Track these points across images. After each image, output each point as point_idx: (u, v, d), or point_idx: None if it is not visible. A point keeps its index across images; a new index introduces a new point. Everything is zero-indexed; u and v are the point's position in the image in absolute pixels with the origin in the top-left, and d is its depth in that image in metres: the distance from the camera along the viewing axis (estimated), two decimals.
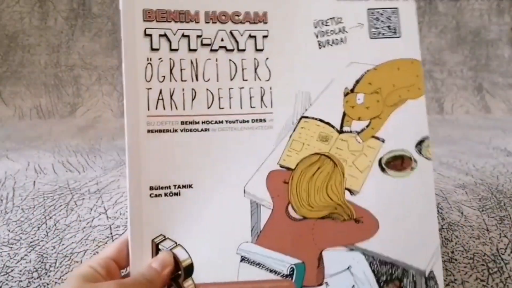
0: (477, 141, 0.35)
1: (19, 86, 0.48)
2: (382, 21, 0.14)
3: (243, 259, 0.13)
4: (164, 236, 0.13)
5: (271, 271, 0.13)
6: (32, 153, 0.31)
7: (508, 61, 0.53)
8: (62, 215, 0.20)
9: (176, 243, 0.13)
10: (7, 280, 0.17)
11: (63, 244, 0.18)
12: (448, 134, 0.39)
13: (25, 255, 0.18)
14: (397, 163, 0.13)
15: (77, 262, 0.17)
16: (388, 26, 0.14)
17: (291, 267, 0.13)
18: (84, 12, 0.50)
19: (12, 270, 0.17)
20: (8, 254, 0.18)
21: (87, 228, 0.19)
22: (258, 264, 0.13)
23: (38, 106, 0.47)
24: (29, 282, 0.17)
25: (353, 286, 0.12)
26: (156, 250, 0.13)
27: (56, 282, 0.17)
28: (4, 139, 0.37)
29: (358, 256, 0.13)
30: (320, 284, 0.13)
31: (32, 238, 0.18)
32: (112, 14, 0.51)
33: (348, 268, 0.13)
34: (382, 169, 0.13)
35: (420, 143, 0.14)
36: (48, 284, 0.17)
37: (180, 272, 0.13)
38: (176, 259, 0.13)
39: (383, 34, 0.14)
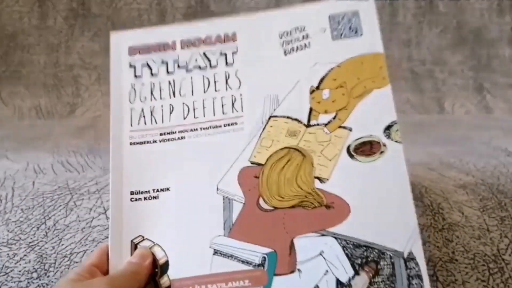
0: (478, 141, 0.35)
1: (18, 86, 0.48)
2: (343, 24, 0.15)
3: (216, 252, 0.14)
4: (143, 237, 0.14)
5: (243, 262, 0.13)
6: (32, 153, 0.31)
7: (509, 61, 0.53)
8: (62, 215, 0.20)
9: (154, 243, 0.14)
10: (6, 280, 0.17)
11: (62, 245, 0.18)
12: (449, 134, 0.39)
13: (25, 255, 0.18)
14: (366, 148, 0.14)
15: (76, 262, 0.17)
16: (350, 28, 0.15)
17: (263, 257, 0.13)
18: (84, 12, 0.50)
19: (11, 271, 0.17)
20: (8, 254, 0.18)
21: (86, 229, 0.19)
22: (231, 256, 0.13)
23: (38, 106, 0.47)
24: (28, 282, 0.17)
25: (327, 271, 0.12)
26: (135, 249, 0.14)
27: (55, 283, 0.17)
28: (3, 139, 0.37)
29: (330, 240, 0.13)
30: (293, 271, 0.13)
31: (31, 238, 0.18)
32: (112, 14, 0.51)
33: (320, 253, 0.13)
34: (351, 156, 0.14)
35: (388, 128, 0.14)
36: (47, 285, 0.17)
37: (157, 270, 0.14)
38: (154, 258, 0.14)
39: (345, 35, 0.15)
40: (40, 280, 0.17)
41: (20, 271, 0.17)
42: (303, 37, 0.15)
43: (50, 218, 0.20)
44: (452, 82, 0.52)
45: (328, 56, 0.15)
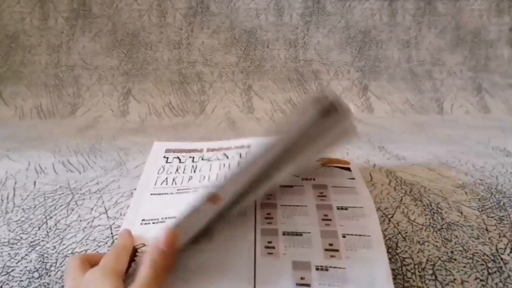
0: (477, 141, 0.35)
1: (19, 86, 0.48)
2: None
3: None
4: (144, 245, 0.16)
5: None
6: (33, 153, 0.31)
7: (508, 61, 0.53)
8: (63, 215, 0.20)
9: None
10: (7, 280, 0.17)
11: (63, 244, 0.18)
12: (448, 134, 0.39)
13: (26, 255, 0.18)
14: None
15: None
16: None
17: None
18: (85, 12, 0.50)
19: (12, 270, 0.17)
20: (9, 254, 0.18)
21: (87, 228, 0.19)
22: None
23: (39, 106, 0.47)
24: (29, 281, 0.17)
25: None
26: (134, 252, 0.16)
27: (56, 282, 0.17)
28: (5, 139, 0.37)
29: None
30: None
31: (32, 238, 0.18)
32: (112, 15, 0.51)
33: None
34: None
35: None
36: (48, 284, 0.17)
37: None
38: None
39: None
40: (41, 279, 0.17)
41: (21, 271, 0.17)
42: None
43: (51, 217, 0.20)
44: (451, 83, 0.52)
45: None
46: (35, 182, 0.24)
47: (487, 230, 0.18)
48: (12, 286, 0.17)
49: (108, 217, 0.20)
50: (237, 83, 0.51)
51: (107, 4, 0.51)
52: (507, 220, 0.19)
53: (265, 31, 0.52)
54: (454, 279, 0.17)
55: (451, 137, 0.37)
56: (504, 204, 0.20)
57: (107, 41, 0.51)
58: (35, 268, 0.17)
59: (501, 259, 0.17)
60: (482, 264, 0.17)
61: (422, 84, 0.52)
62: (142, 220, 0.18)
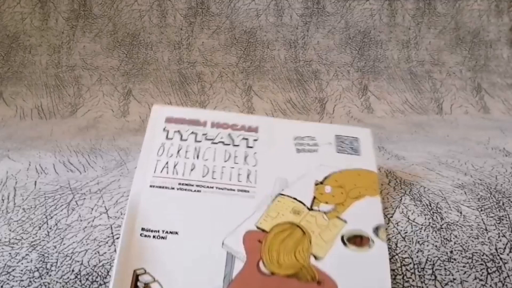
0: (476, 141, 0.35)
1: (20, 87, 0.48)
2: (346, 143, 0.20)
3: None
4: (145, 270, 0.16)
5: None
6: (33, 153, 0.31)
7: (507, 61, 0.53)
8: (63, 214, 0.20)
9: (154, 279, 0.15)
10: (8, 279, 0.17)
11: (64, 244, 0.18)
12: (447, 134, 0.39)
13: (26, 254, 0.18)
14: (357, 240, 0.17)
15: (78, 261, 0.17)
16: (351, 147, 0.20)
17: None
18: (85, 12, 0.51)
19: (13, 270, 0.17)
20: (10, 253, 0.18)
21: (88, 228, 0.19)
22: None
23: (39, 106, 0.47)
24: (30, 281, 0.17)
25: None
26: (135, 280, 0.15)
27: (57, 282, 0.17)
28: (5, 139, 0.37)
29: None
30: None
31: (33, 237, 0.19)
32: (113, 15, 0.51)
33: None
34: (344, 243, 0.17)
35: (377, 229, 0.17)
36: (49, 284, 0.17)
37: None
38: None
39: (347, 151, 0.19)
40: (42, 279, 0.17)
41: (22, 270, 0.17)
42: (313, 144, 0.19)
43: (52, 217, 0.20)
44: (450, 83, 0.52)
45: (332, 162, 0.19)
46: (35, 182, 0.24)
47: (486, 230, 0.19)
48: (13, 285, 0.17)
49: (108, 216, 0.20)
50: (237, 83, 0.51)
51: (107, 4, 0.51)
52: (506, 220, 0.19)
53: (265, 32, 0.52)
54: (454, 279, 0.17)
55: (451, 137, 0.37)
56: (503, 204, 0.20)
57: (107, 42, 0.51)
58: (36, 267, 0.17)
59: (501, 258, 0.17)
60: (482, 264, 0.17)
61: (421, 84, 0.52)
62: (142, 230, 0.16)
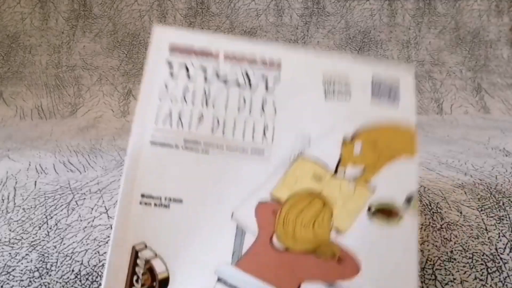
0: (476, 141, 0.35)
1: (20, 87, 0.48)
2: (383, 88, 0.15)
3: (219, 280, 0.13)
4: (146, 245, 0.13)
5: None
6: (33, 153, 0.31)
7: (507, 61, 0.53)
8: (63, 214, 0.20)
9: (155, 254, 0.13)
10: (8, 279, 0.17)
11: (64, 244, 0.18)
12: (447, 134, 0.39)
13: (26, 254, 0.18)
14: (385, 212, 0.14)
15: (78, 261, 0.17)
16: (389, 94, 0.15)
17: None
18: (85, 12, 0.51)
19: (13, 270, 0.17)
20: (9, 253, 0.18)
21: (88, 228, 0.19)
22: None
23: (39, 107, 0.47)
24: (30, 281, 0.17)
25: None
26: (135, 257, 0.13)
27: (57, 282, 0.17)
28: (5, 139, 0.37)
29: None
30: None
31: (33, 237, 0.18)
32: (113, 15, 0.51)
33: None
34: (370, 216, 0.14)
35: (409, 200, 0.14)
36: (49, 284, 0.17)
37: (155, 284, 0.13)
38: (152, 270, 0.13)
39: (384, 99, 0.15)
40: (42, 279, 0.17)
41: (22, 270, 0.17)
42: (345, 89, 0.15)
43: (52, 217, 0.20)
44: (450, 83, 0.52)
45: (365, 113, 0.15)
46: (35, 182, 0.24)
47: (486, 229, 0.18)
48: (13, 285, 0.17)
49: (108, 216, 0.20)
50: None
51: (107, 4, 0.51)
52: (506, 220, 0.19)
53: (265, 32, 0.52)
54: (454, 279, 0.17)
55: (451, 137, 0.37)
56: (503, 204, 0.20)
57: (107, 42, 0.51)
58: (36, 267, 0.17)
59: (501, 258, 0.17)
60: (482, 264, 0.17)
61: (421, 84, 0.52)
62: (142, 197, 0.14)
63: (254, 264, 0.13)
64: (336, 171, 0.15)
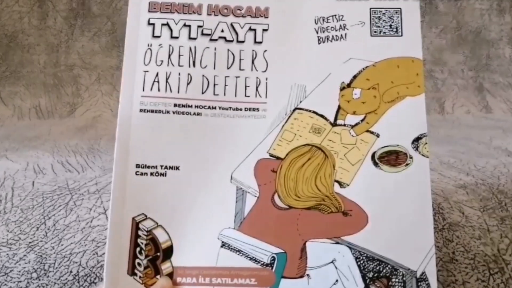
0: (478, 141, 0.35)
1: (18, 86, 0.48)
2: (384, 20, 0.14)
3: (223, 244, 0.13)
4: (146, 216, 0.13)
5: (251, 258, 0.13)
6: (31, 153, 0.31)
7: (509, 61, 0.53)
8: (61, 215, 0.20)
9: (157, 223, 0.13)
10: (6, 280, 0.17)
11: (62, 245, 0.18)
12: (449, 134, 0.39)
13: (24, 255, 0.18)
14: (391, 158, 0.13)
15: (76, 262, 0.17)
16: (390, 25, 0.14)
17: (272, 256, 0.12)
18: (84, 11, 0.50)
19: (11, 271, 0.17)
20: (7, 254, 0.18)
21: (86, 229, 0.19)
22: (239, 251, 0.13)
23: (37, 106, 0.47)
24: (28, 282, 0.17)
25: (337, 280, 0.12)
26: (136, 228, 0.13)
27: (55, 283, 0.17)
28: (3, 139, 0.37)
29: (343, 249, 0.12)
30: (302, 276, 0.12)
31: (31, 238, 0.18)
32: (112, 14, 0.51)
33: (332, 261, 0.12)
34: (375, 163, 0.13)
35: (417, 140, 0.14)
36: (47, 285, 0.17)
37: (158, 254, 0.13)
38: (155, 240, 0.13)
39: (385, 32, 0.14)
40: (39, 280, 0.17)
41: (19, 271, 0.17)
42: (340, 27, 0.14)
43: (49, 218, 0.20)
44: (452, 82, 0.52)
45: (364, 52, 0.14)
46: (33, 182, 0.24)
47: (488, 230, 0.18)
48: (11, 286, 0.17)
49: (107, 217, 0.20)
50: None
51: (106, 3, 0.51)
52: (508, 221, 0.19)
53: None
54: (456, 280, 0.16)
55: (452, 137, 0.37)
56: (505, 205, 0.20)
57: (106, 41, 0.51)
58: (34, 268, 0.17)
59: (503, 259, 0.17)
60: (484, 265, 0.17)
61: None
62: (137, 167, 0.13)
63: (257, 226, 0.13)
64: (335, 121, 0.14)
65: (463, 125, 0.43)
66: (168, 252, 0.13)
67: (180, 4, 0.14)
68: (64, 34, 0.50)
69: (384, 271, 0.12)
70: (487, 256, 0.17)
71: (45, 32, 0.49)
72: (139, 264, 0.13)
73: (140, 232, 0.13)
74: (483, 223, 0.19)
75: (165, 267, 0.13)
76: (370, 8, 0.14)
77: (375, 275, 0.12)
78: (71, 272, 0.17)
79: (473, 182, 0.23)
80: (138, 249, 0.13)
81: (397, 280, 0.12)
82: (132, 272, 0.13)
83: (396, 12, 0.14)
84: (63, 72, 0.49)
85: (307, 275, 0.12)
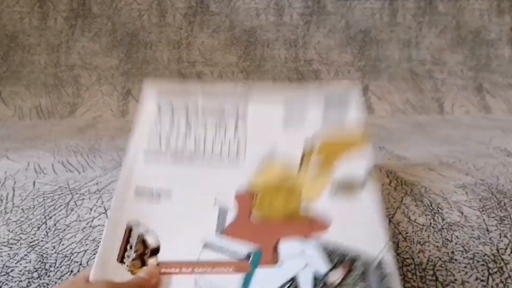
0: (477, 141, 0.35)
1: (19, 86, 0.48)
2: (335, 101, 0.20)
3: (205, 245, 0.15)
4: (139, 223, 0.16)
5: (230, 255, 0.15)
6: (32, 153, 0.31)
7: (508, 61, 0.53)
8: (62, 215, 0.20)
9: (148, 229, 0.16)
10: (7, 280, 0.17)
11: (63, 244, 0.18)
12: (448, 134, 0.39)
13: (25, 255, 0.18)
14: (347, 185, 0.17)
15: (77, 262, 0.17)
16: (339, 105, 0.20)
17: (249, 252, 0.15)
18: (84, 12, 0.50)
19: (12, 270, 0.17)
20: (8, 254, 0.18)
21: (87, 228, 0.19)
22: (219, 249, 0.15)
23: (38, 106, 0.47)
24: (29, 282, 0.17)
25: (306, 264, 0.14)
26: (129, 232, 0.16)
27: (56, 282, 0.17)
28: (4, 139, 0.36)
29: (311, 243, 0.15)
30: (275, 263, 0.14)
31: (32, 238, 0.18)
32: (112, 14, 0.51)
33: (301, 252, 0.15)
34: (334, 189, 0.17)
35: (367, 172, 0.18)
36: (48, 284, 0.17)
37: (146, 251, 0.15)
38: (145, 242, 0.15)
39: (335, 110, 0.20)
40: (40, 279, 0.17)
41: (20, 271, 0.17)
42: (301, 110, 0.20)
43: (50, 218, 0.20)
44: (451, 82, 0.52)
45: (320, 123, 0.19)
46: (34, 182, 0.24)
47: (487, 230, 0.18)
48: (12, 286, 0.17)
49: (107, 217, 0.20)
50: (237, 83, 0.51)
51: (106, 3, 0.51)
52: (507, 221, 0.19)
53: (265, 31, 0.52)
54: (455, 280, 0.17)
55: (452, 137, 0.37)
56: (505, 204, 0.20)
57: (106, 41, 0.51)
58: (35, 268, 0.17)
59: (502, 259, 0.17)
60: (483, 265, 0.17)
61: (422, 84, 0.52)
62: (137, 188, 0.17)
63: (235, 232, 0.16)
64: (300, 164, 0.18)
65: (462, 125, 0.43)
66: (155, 251, 0.15)
67: (182, 91, 0.20)
68: (64, 35, 0.50)
69: (348, 257, 0.14)
70: (486, 255, 0.17)
71: (46, 32, 0.49)
72: (128, 256, 0.15)
73: (132, 234, 0.16)
74: (482, 223, 0.19)
75: (151, 261, 0.15)
76: (325, 94, 0.20)
77: (341, 258, 0.14)
78: (72, 271, 0.17)
79: (473, 182, 0.23)
80: (128, 246, 0.15)
81: (360, 263, 0.14)
82: (121, 260, 0.15)
83: (344, 97, 0.20)
84: (63, 72, 0.49)
85: (280, 263, 0.14)
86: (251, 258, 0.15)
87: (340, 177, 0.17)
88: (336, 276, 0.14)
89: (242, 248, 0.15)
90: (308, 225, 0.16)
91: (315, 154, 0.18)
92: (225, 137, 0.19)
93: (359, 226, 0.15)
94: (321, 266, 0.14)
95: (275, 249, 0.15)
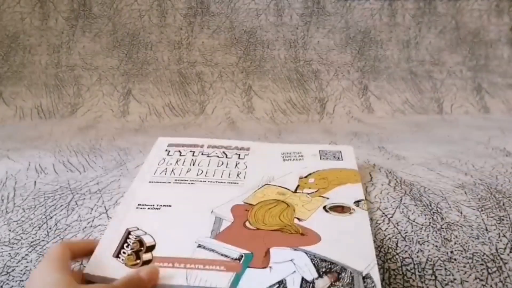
0: (476, 141, 0.35)
1: (20, 87, 0.48)
2: (329, 154, 0.23)
3: (199, 245, 0.16)
4: (138, 228, 0.17)
5: (222, 255, 0.16)
6: (33, 153, 0.31)
7: (507, 61, 0.53)
8: (63, 215, 0.20)
9: (145, 232, 0.17)
10: (8, 280, 0.17)
11: None
12: (447, 134, 0.39)
13: (26, 255, 0.18)
14: (338, 208, 0.18)
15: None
16: (333, 156, 0.23)
17: (241, 254, 0.16)
18: (85, 12, 0.51)
19: (13, 270, 0.17)
20: (9, 254, 0.18)
21: (87, 228, 0.19)
22: (212, 250, 0.16)
23: (39, 106, 0.47)
24: None
25: (294, 271, 0.15)
26: (127, 236, 0.16)
27: None
28: (5, 139, 0.37)
29: (300, 253, 0.16)
30: (265, 267, 0.15)
31: (33, 238, 0.19)
32: (113, 15, 0.51)
33: (291, 260, 0.15)
34: (326, 211, 0.18)
35: (358, 202, 0.19)
36: None
37: (142, 248, 0.16)
38: (142, 241, 0.16)
39: (330, 158, 0.23)
40: None
41: (21, 271, 0.17)
42: (298, 156, 0.23)
43: (51, 217, 0.20)
44: (450, 83, 0.52)
45: (316, 166, 0.22)
46: (35, 182, 0.24)
47: (486, 230, 0.19)
48: (12, 286, 0.17)
49: (108, 217, 0.20)
50: (237, 83, 0.51)
51: (107, 4, 0.51)
52: (506, 220, 0.19)
53: (265, 31, 0.52)
54: (454, 279, 0.17)
55: (451, 137, 0.37)
56: (503, 204, 0.20)
57: (107, 41, 0.51)
58: (35, 268, 0.17)
59: (501, 259, 0.17)
60: (482, 264, 0.17)
61: (422, 84, 0.52)
62: (138, 205, 0.18)
63: (229, 238, 0.16)
64: (295, 189, 0.20)
65: (461, 125, 0.43)
66: (150, 248, 0.16)
67: (189, 144, 0.24)
68: (65, 35, 0.50)
69: (335, 268, 0.15)
70: (485, 255, 0.17)
71: (47, 32, 0.50)
72: (124, 252, 0.16)
73: (130, 236, 0.16)
74: (481, 222, 0.19)
75: (146, 256, 0.16)
76: (320, 150, 0.23)
77: (328, 269, 0.15)
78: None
79: (472, 182, 0.23)
80: (126, 245, 0.16)
81: (346, 275, 0.15)
82: (117, 256, 0.16)
83: (338, 152, 0.23)
84: (64, 72, 0.49)
85: (270, 267, 0.15)
86: (242, 260, 0.15)
87: (332, 202, 0.19)
88: (324, 283, 0.14)
89: (234, 251, 0.16)
90: (299, 238, 0.16)
91: (310, 184, 0.20)
92: (226, 167, 0.21)
93: (348, 243, 0.16)
94: (308, 273, 0.14)
95: (266, 254, 0.15)
